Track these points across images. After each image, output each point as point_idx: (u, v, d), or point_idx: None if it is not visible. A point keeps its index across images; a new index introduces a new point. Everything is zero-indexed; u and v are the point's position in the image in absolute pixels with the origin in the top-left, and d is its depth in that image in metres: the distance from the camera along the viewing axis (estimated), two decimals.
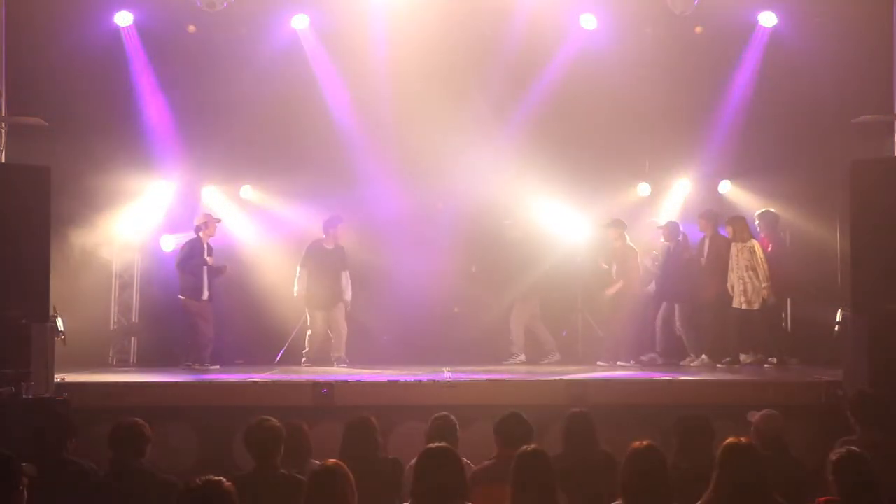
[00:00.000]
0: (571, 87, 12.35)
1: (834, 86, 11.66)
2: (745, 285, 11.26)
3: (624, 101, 12.31)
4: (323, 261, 11.73)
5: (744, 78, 12.38)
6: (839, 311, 9.46)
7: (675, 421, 6.15)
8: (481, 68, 12.32)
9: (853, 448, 5.09)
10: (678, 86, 12.29)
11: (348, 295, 11.81)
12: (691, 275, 11.63)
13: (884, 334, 8.60)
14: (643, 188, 13.09)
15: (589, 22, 12.26)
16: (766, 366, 11.26)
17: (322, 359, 11.67)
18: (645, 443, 4.93)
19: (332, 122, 12.51)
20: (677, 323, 11.74)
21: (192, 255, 11.26)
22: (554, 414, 7.41)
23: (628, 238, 11.82)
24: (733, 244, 11.37)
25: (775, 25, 12.14)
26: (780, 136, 12.29)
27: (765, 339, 11.49)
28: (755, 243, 11.34)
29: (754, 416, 6.64)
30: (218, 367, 11.19)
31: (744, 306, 11.28)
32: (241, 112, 12.18)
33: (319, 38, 12.41)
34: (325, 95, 12.52)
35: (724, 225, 11.57)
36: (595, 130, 12.56)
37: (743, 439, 5.09)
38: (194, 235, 11.39)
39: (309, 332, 11.78)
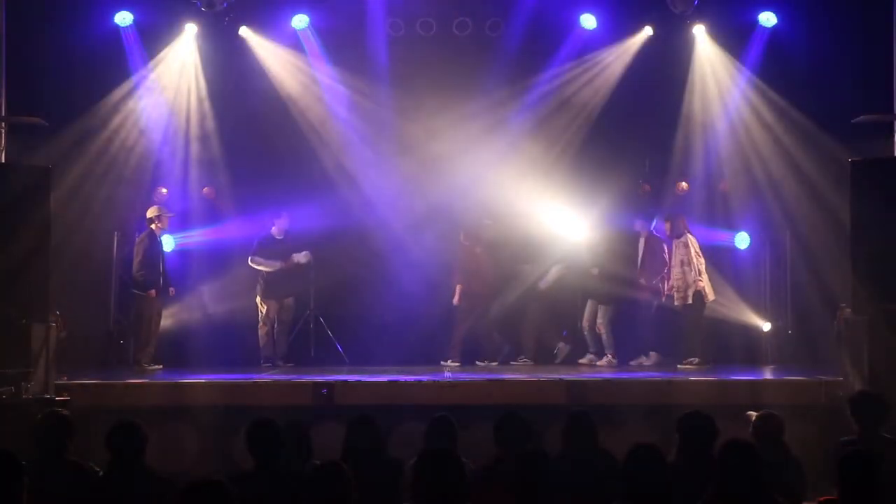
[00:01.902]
0: (571, 86, 12.38)
1: (834, 86, 11.65)
2: (676, 282, 11.29)
3: (623, 100, 12.32)
4: (275, 250, 11.73)
5: (743, 77, 12.38)
6: (839, 311, 9.46)
7: (679, 419, 6.12)
8: (481, 68, 12.31)
9: (861, 448, 5.08)
10: (677, 85, 12.31)
11: (303, 258, 11.75)
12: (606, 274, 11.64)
13: (884, 334, 8.60)
14: (643, 188, 13.06)
15: (589, 22, 12.28)
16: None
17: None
18: (645, 443, 4.93)
19: (331, 121, 12.52)
20: (598, 321, 11.68)
21: (149, 247, 11.28)
22: (554, 414, 7.42)
23: (477, 248, 11.87)
24: (674, 241, 11.39)
25: (775, 25, 12.14)
26: (779, 136, 12.28)
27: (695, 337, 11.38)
28: (690, 238, 11.33)
29: (754, 417, 6.63)
30: (160, 367, 11.14)
31: (677, 303, 11.31)
32: (240, 112, 12.20)
33: (319, 37, 12.42)
34: (324, 95, 12.53)
35: (662, 222, 11.60)
36: (594, 130, 12.56)
37: (743, 439, 5.08)
38: (146, 228, 11.42)
39: (261, 326, 11.72)
